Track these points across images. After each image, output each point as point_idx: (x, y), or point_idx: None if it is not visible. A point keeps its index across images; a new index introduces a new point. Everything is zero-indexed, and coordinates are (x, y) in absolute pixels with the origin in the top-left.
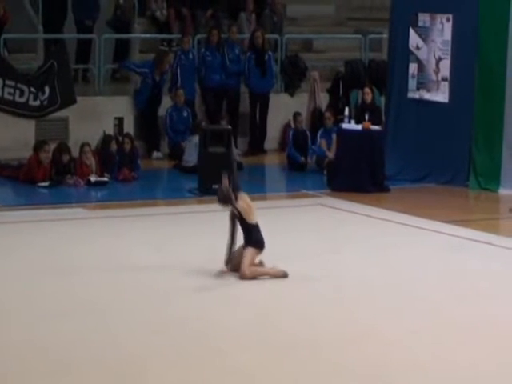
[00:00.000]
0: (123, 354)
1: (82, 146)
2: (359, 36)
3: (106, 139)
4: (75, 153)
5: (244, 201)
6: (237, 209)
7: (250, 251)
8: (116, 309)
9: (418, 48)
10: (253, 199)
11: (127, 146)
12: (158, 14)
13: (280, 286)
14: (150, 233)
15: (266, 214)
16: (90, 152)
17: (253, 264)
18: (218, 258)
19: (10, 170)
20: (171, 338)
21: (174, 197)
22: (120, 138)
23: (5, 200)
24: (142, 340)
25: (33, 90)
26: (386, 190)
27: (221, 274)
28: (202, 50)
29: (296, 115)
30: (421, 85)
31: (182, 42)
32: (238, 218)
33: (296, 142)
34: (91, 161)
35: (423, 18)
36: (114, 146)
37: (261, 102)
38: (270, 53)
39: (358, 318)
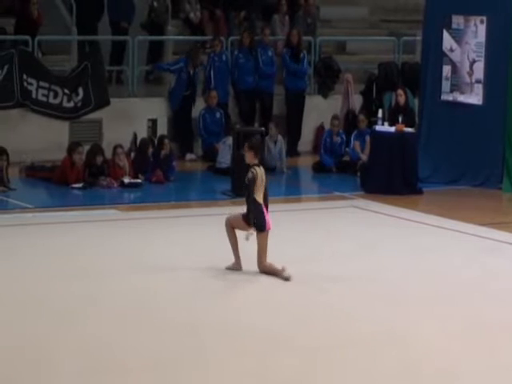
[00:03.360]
0: (151, 357)
1: (115, 147)
2: (393, 38)
3: (142, 143)
4: (109, 154)
5: (261, 171)
6: (255, 171)
7: (261, 239)
8: (147, 310)
9: (451, 50)
10: (287, 201)
11: (166, 147)
12: (191, 15)
13: (312, 287)
14: (182, 234)
15: (300, 216)
16: (123, 153)
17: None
18: (248, 259)
19: (43, 172)
20: (199, 339)
21: (208, 198)
22: (155, 140)
23: (39, 202)
24: (171, 342)
25: (67, 91)
26: (419, 192)
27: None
28: (235, 52)
29: (332, 119)
30: (454, 87)
31: (214, 44)
32: (248, 185)
33: (331, 144)
34: (124, 162)
35: (457, 20)
36: (150, 149)
37: (296, 102)
38: (304, 51)
39: (391, 320)
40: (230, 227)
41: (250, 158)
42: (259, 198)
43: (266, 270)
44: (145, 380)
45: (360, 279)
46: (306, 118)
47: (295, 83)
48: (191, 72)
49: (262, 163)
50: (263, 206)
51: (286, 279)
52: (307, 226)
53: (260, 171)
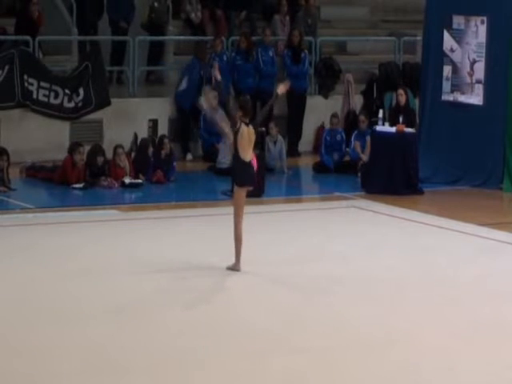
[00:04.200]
0: (151, 357)
1: (115, 148)
2: (393, 38)
3: (142, 143)
4: (109, 155)
5: (249, 131)
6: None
7: (237, 195)
8: (147, 310)
9: (452, 50)
10: (287, 201)
11: (166, 147)
12: (192, 16)
13: (312, 287)
14: (183, 234)
15: (301, 216)
16: (123, 154)
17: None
18: (248, 259)
19: (44, 172)
20: (198, 339)
21: (208, 199)
22: (156, 140)
23: (39, 202)
24: (170, 342)
25: (67, 91)
26: (419, 192)
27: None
28: (233, 54)
29: (332, 117)
30: (455, 87)
31: (215, 44)
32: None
33: (330, 142)
34: (125, 163)
35: (457, 21)
36: (151, 150)
37: (297, 102)
38: (306, 51)
39: (391, 320)
40: (236, 226)
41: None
42: (243, 154)
43: (236, 238)
44: (144, 380)
45: (360, 279)
46: (306, 118)
47: (296, 84)
48: (202, 72)
49: (253, 125)
50: (249, 163)
51: (230, 268)
52: (307, 226)
53: (247, 129)
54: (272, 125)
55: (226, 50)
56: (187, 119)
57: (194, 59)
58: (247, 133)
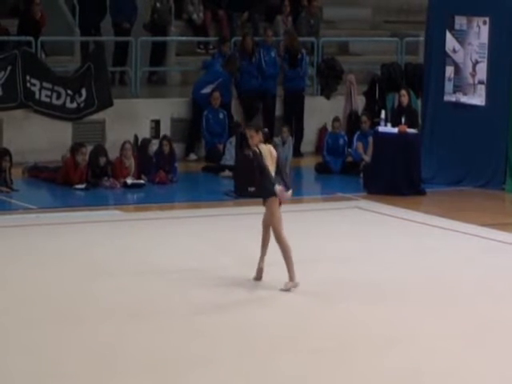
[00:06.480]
0: (152, 357)
1: (124, 143)
2: (396, 39)
3: (143, 143)
4: (111, 155)
5: (269, 148)
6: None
7: (272, 204)
8: (148, 310)
9: (454, 51)
10: (289, 202)
11: (166, 148)
12: (194, 16)
13: (315, 288)
14: (185, 235)
15: (303, 217)
16: (130, 150)
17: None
18: (251, 261)
19: (47, 173)
20: (201, 339)
21: (211, 199)
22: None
23: (42, 202)
24: (172, 342)
25: (70, 92)
26: (422, 193)
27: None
28: (236, 55)
29: (334, 121)
30: (457, 88)
31: (224, 46)
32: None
33: (332, 146)
34: (130, 161)
35: (460, 21)
36: (151, 149)
37: (295, 102)
38: (303, 51)
39: (395, 321)
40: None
41: (257, 139)
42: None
43: (281, 244)
44: (145, 380)
45: (363, 280)
46: (308, 119)
47: (293, 84)
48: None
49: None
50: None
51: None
52: (310, 227)
53: (266, 147)
54: (285, 128)
55: (228, 51)
56: (200, 120)
57: (220, 66)
58: (268, 150)
